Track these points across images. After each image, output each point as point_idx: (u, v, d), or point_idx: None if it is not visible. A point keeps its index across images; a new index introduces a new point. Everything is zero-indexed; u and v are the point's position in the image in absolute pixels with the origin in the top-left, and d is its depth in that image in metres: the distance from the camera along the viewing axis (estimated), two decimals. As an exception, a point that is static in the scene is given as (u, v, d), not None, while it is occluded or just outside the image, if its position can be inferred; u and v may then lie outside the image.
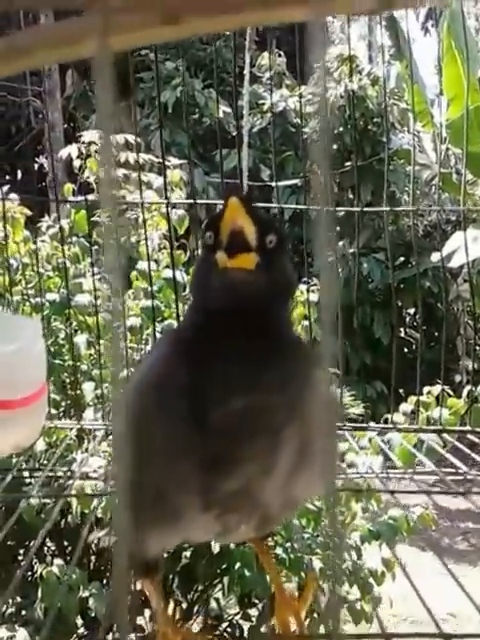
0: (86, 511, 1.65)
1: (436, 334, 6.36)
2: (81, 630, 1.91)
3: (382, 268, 6.30)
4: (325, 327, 0.28)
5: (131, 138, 2.92)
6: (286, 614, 0.87)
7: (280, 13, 0.29)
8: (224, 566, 1.88)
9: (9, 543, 1.88)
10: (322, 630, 1.70)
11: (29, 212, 2.05)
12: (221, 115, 5.77)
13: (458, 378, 5.68)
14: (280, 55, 7.42)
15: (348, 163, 6.31)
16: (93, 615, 1.86)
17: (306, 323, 1.95)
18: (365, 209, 2.26)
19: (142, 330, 1.97)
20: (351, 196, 6.33)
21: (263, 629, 1.94)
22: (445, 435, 1.65)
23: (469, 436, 1.64)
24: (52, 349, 1.97)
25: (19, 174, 8.02)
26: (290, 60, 7.34)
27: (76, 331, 2.02)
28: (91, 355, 1.99)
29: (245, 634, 2.04)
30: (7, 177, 7.37)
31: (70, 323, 1.87)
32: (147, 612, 1.94)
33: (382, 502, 1.89)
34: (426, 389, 1.79)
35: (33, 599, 1.78)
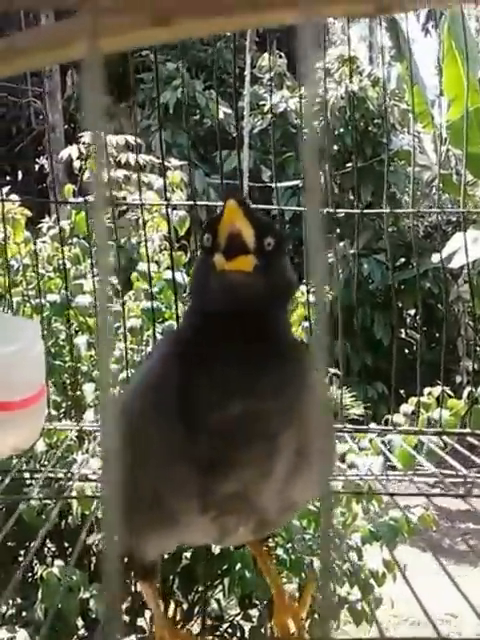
0: (86, 513, 1.65)
1: (436, 335, 6.36)
2: (82, 631, 1.91)
3: (382, 269, 6.30)
4: (318, 328, 0.28)
5: (131, 139, 2.92)
6: (285, 617, 0.87)
7: (270, 16, 0.29)
8: (225, 567, 1.88)
9: (9, 544, 1.88)
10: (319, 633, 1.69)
11: (29, 213, 2.05)
12: (222, 116, 5.77)
13: (458, 379, 5.69)
14: (281, 56, 7.42)
15: (349, 164, 6.31)
16: (94, 616, 1.87)
17: (306, 324, 1.95)
18: (365, 211, 2.26)
19: (142, 331, 1.97)
20: (351, 197, 6.33)
21: (262, 631, 1.94)
22: (445, 437, 1.65)
23: (469, 438, 1.64)
24: (52, 350, 1.97)
25: (19, 175, 8.02)
26: (291, 61, 7.35)
27: (76, 332, 2.02)
28: (91, 356, 1.99)
29: (246, 635, 2.04)
30: (7, 178, 7.37)
31: (70, 324, 1.87)
32: (148, 613, 1.94)
33: (383, 503, 1.89)
34: (426, 390, 1.79)
35: (33, 600, 1.78)
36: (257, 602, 1.96)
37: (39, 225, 2.30)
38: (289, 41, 7.21)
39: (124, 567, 1.25)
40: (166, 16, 0.28)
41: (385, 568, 1.92)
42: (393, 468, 1.60)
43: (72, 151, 2.58)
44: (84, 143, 2.48)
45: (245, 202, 0.70)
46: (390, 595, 2.04)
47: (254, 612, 2.01)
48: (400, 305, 6.22)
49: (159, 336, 1.72)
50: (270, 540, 1.82)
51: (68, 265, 1.98)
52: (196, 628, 2.05)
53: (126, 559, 0.83)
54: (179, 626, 1.97)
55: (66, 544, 1.98)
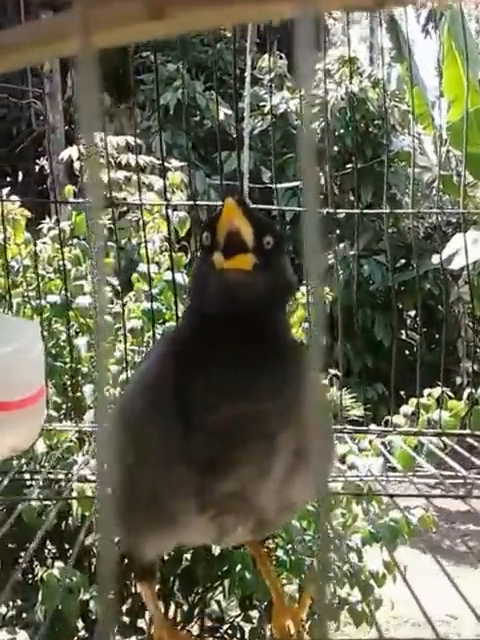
0: (87, 513, 1.65)
1: (436, 336, 6.36)
2: (82, 633, 1.91)
3: (383, 270, 6.30)
4: (315, 328, 0.28)
5: (131, 140, 2.92)
6: (284, 619, 0.87)
7: (268, 8, 0.29)
8: (225, 568, 1.88)
9: (10, 546, 1.88)
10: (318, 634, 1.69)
11: (30, 214, 2.05)
12: (222, 117, 5.77)
13: (458, 380, 5.69)
14: (281, 57, 7.42)
15: (349, 165, 6.31)
16: (94, 618, 1.87)
17: (306, 325, 1.95)
18: (365, 211, 2.26)
19: (143, 332, 1.97)
20: (352, 198, 6.33)
21: (262, 633, 1.94)
22: (445, 438, 1.65)
23: (469, 439, 1.64)
24: (53, 351, 1.97)
25: (20, 176, 8.01)
26: (291, 62, 7.35)
27: (77, 333, 2.02)
28: (92, 357, 1.99)
29: (246, 636, 2.04)
30: (8, 179, 7.37)
31: (71, 325, 1.87)
32: (148, 615, 1.94)
33: (383, 504, 1.89)
34: (426, 391, 1.79)
35: (34, 602, 1.78)
36: (257, 603, 1.96)
37: (39, 226, 2.30)
38: (289, 42, 7.20)
39: (124, 568, 1.25)
40: (161, 8, 0.28)
41: (385, 569, 1.92)
42: (393, 469, 1.60)
43: (72, 152, 2.59)
44: (84, 144, 2.48)
45: (244, 201, 0.69)
46: (390, 596, 2.03)
47: (254, 613, 2.01)
48: (400, 306, 6.21)
49: (159, 337, 1.72)
50: (270, 541, 1.81)
51: (68, 266, 1.98)
52: (196, 629, 2.05)
53: (125, 560, 0.83)
54: (179, 627, 1.97)
55: (66, 545, 1.98)
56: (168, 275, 1.96)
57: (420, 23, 12.14)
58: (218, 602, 2.08)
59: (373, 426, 1.76)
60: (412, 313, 6.75)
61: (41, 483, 1.55)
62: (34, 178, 5.70)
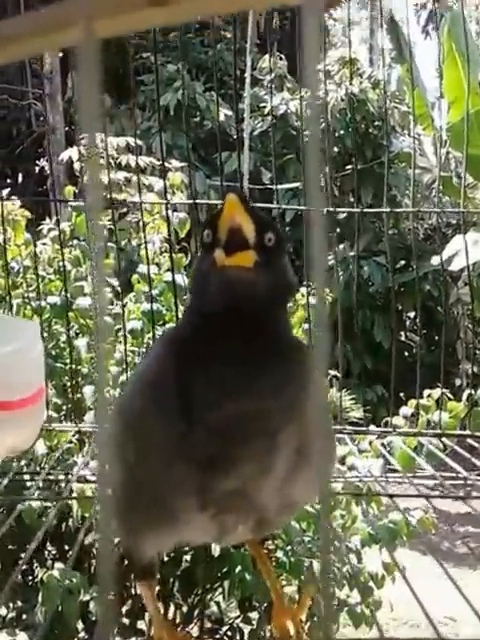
0: (86, 514, 1.65)
1: (436, 338, 6.36)
2: (82, 634, 1.91)
3: (382, 271, 6.30)
4: (319, 329, 0.28)
5: (132, 141, 2.92)
6: (284, 619, 0.87)
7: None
8: (225, 570, 1.88)
9: (10, 547, 1.89)
10: (322, 634, 1.69)
11: (30, 215, 2.05)
12: (222, 118, 5.77)
13: (458, 382, 5.68)
14: (281, 58, 7.42)
15: (349, 166, 6.32)
16: (94, 619, 1.87)
17: (306, 326, 1.95)
18: (365, 210, 2.26)
19: (143, 333, 1.97)
20: (352, 199, 6.33)
21: (262, 634, 1.94)
22: (445, 439, 1.65)
23: (469, 440, 1.64)
24: (53, 352, 1.97)
25: (20, 177, 8.02)
26: (291, 63, 7.35)
27: (77, 334, 2.02)
28: (91, 358, 1.99)
29: (245, 638, 2.04)
30: (8, 180, 7.37)
31: (71, 326, 1.87)
32: (148, 616, 1.94)
33: (382, 506, 1.89)
34: (426, 392, 1.79)
35: (34, 604, 1.78)
36: (257, 605, 1.97)
37: (39, 227, 2.30)
38: (290, 43, 7.21)
39: (123, 569, 1.25)
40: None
41: (384, 570, 1.92)
42: (393, 471, 1.60)
43: (72, 153, 2.59)
44: (84, 145, 2.48)
45: (245, 197, 0.69)
46: (389, 598, 2.04)
47: (254, 615, 2.01)
48: (400, 307, 6.21)
49: (158, 337, 1.72)
50: (269, 542, 1.82)
51: (68, 267, 1.98)
52: (195, 631, 2.05)
53: (125, 560, 0.83)
54: (178, 629, 1.97)
55: (66, 547, 1.98)
56: (168, 276, 1.96)
57: (420, 24, 12.16)
58: (217, 603, 2.08)
59: (372, 427, 1.76)
60: (412, 314, 6.75)
61: (41, 484, 1.55)
62: (34, 179, 5.70)
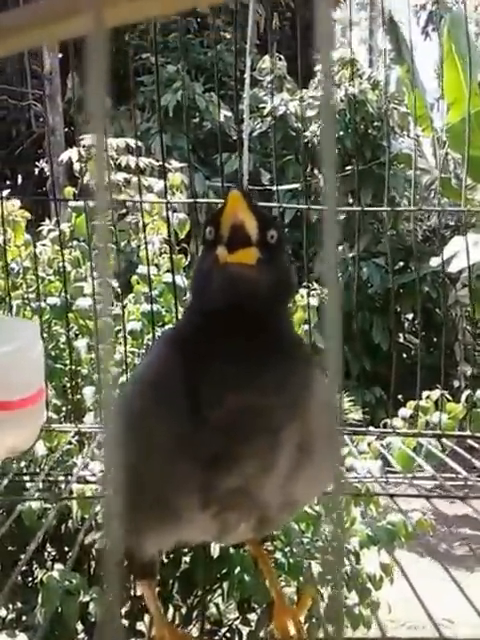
0: (86, 516, 1.65)
1: (435, 339, 6.35)
2: (81, 635, 1.91)
3: (382, 273, 6.30)
4: (329, 335, 0.28)
5: (131, 142, 2.92)
6: (284, 619, 0.87)
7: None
8: (224, 571, 1.88)
9: (9, 548, 1.89)
10: (321, 635, 1.70)
11: (29, 215, 2.05)
12: (222, 119, 5.77)
13: (457, 383, 5.68)
14: (281, 59, 7.42)
15: (348, 167, 6.31)
16: (93, 620, 1.87)
17: (306, 327, 1.95)
18: (366, 209, 2.26)
19: (143, 334, 1.97)
20: (351, 200, 6.33)
21: (262, 634, 1.94)
22: (444, 440, 1.65)
23: (468, 441, 1.64)
24: (52, 353, 1.97)
25: (19, 178, 8.02)
26: (291, 64, 7.35)
27: (76, 335, 2.02)
28: (91, 359, 1.99)
29: (244, 639, 2.04)
30: (7, 181, 7.37)
31: (70, 327, 1.87)
32: (147, 617, 1.94)
33: (380, 507, 1.89)
34: (425, 394, 1.79)
35: (34, 605, 1.78)
36: (256, 606, 1.97)
37: (39, 228, 2.30)
38: (289, 44, 7.21)
39: (124, 570, 1.25)
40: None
41: (383, 572, 1.92)
42: (392, 471, 1.60)
43: (72, 154, 2.59)
44: (84, 146, 2.48)
45: (248, 194, 0.69)
46: (387, 599, 2.04)
47: (253, 616, 2.01)
48: (399, 309, 6.21)
49: (158, 336, 1.72)
50: (269, 543, 1.82)
51: (68, 268, 1.99)
52: (195, 632, 2.05)
53: (125, 561, 0.83)
54: (178, 629, 1.97)
55: (66, 548, 1.98)
56: (168, 277, 1.96)
57: (420, 25, 12.16)
58: (217, 605, 2.08)
59: (372, 428, 1.76)
60: (410, 316, 6.75)
61: (41, 485, 1.55)
62: (33, 180, 5.70)
